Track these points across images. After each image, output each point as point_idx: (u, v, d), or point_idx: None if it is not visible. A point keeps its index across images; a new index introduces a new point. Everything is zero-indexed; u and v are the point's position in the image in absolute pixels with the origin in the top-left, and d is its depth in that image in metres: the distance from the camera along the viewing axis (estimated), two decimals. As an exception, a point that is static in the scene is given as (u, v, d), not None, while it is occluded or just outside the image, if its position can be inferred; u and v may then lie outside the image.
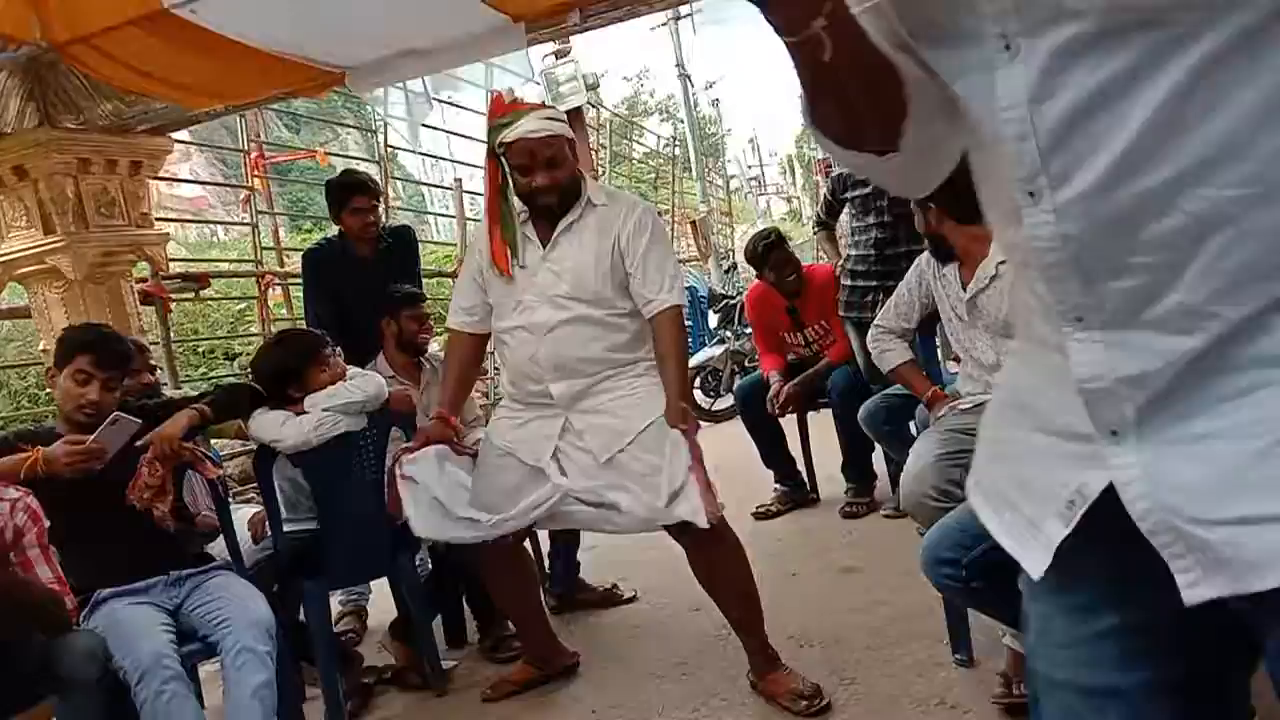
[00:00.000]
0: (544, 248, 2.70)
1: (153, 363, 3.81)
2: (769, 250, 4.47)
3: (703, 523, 2.50)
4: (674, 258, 2.80)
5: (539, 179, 2.61)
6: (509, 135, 2.59)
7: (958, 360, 2.86)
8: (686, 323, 9.65)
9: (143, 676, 2.19)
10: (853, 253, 4.30)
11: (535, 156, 2.60)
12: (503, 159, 2.66)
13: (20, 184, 3.87)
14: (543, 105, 2.65)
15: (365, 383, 2.98)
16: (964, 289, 2.57)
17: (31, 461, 2.44)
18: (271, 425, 2.87)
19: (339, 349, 3.21)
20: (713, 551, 2.66)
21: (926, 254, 2.83)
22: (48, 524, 2.32)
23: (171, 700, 2.19)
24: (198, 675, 2.78)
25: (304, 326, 4.01)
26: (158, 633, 2.31)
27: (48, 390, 4.25)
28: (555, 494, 2.66)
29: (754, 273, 4.66)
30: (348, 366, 3.15)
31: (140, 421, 2.56)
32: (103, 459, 2.49)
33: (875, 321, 3.00)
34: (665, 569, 3.33)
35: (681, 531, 2.61)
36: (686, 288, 9.62)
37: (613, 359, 2.68)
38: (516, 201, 2.73)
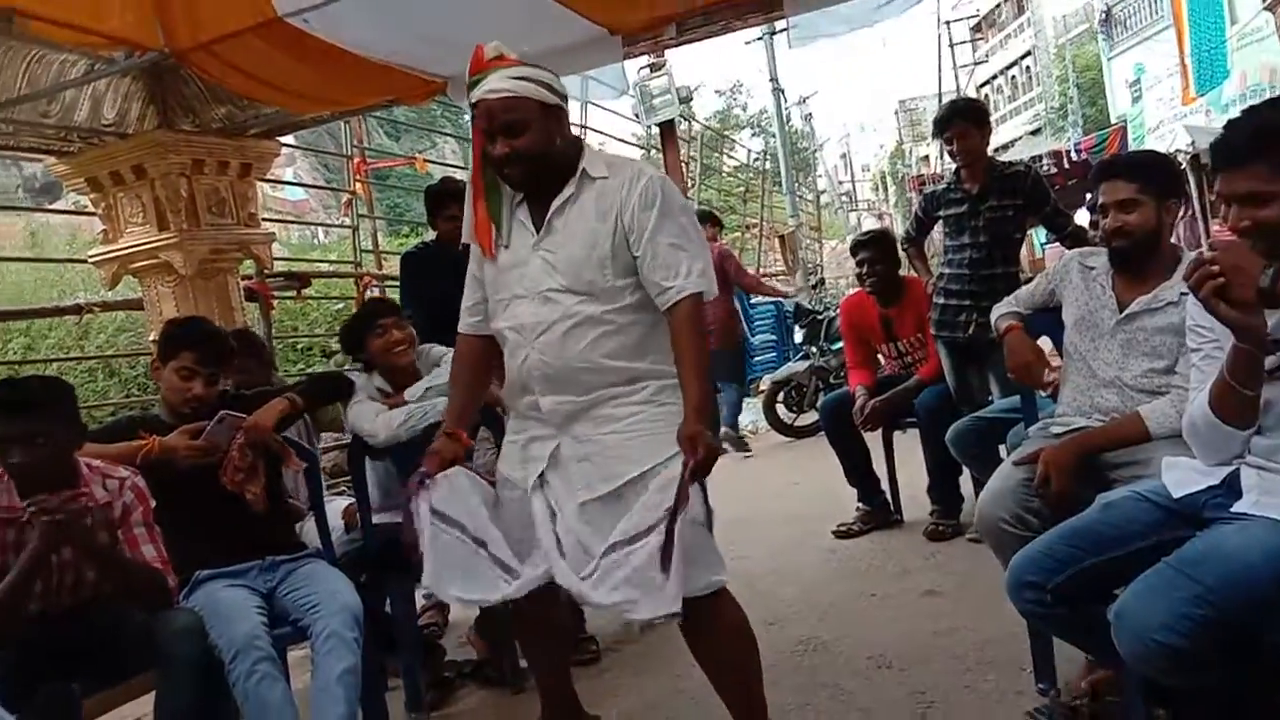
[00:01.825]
0: (537, 234, 2.27)
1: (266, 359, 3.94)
2: (859, 245, 4.48)
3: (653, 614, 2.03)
4: (695, 232, 2.27)
5: (497, 147, 2.19)
6: (474, 95, 2.19)
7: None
8: (770, 337, 9.51)
9: (236, 655, 2.27)
10: (946, 271, 4.25)
11: (492, 120, 2.17)
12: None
13: (138, 182, 4.06)
14: (522, 62, 2.20)
15: (423, 415, 3.00)
16: (1119, 301, 2.47)
17: (148, 449, 2.57)
18: (366, 416, 2.99)
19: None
20: (708, 630, 2.22)
21: (1080, 250, 2.72)
22: (153, 504, 2.44)
23: (262, 680, 2.26)
24: (286, 658, 2.88)
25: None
26: (252, 615, 2.39)
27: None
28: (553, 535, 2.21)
29: (844, 287, 4.64)
30: (431, 346, 3.26)
31: (244, 417, 2.67)
32: (215, 455, 2.62)
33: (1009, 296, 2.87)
34: (739, 579, 3.33)
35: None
36: (770, 303, 9.63)
37: (615, 369, 2.21)
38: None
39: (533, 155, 2.18)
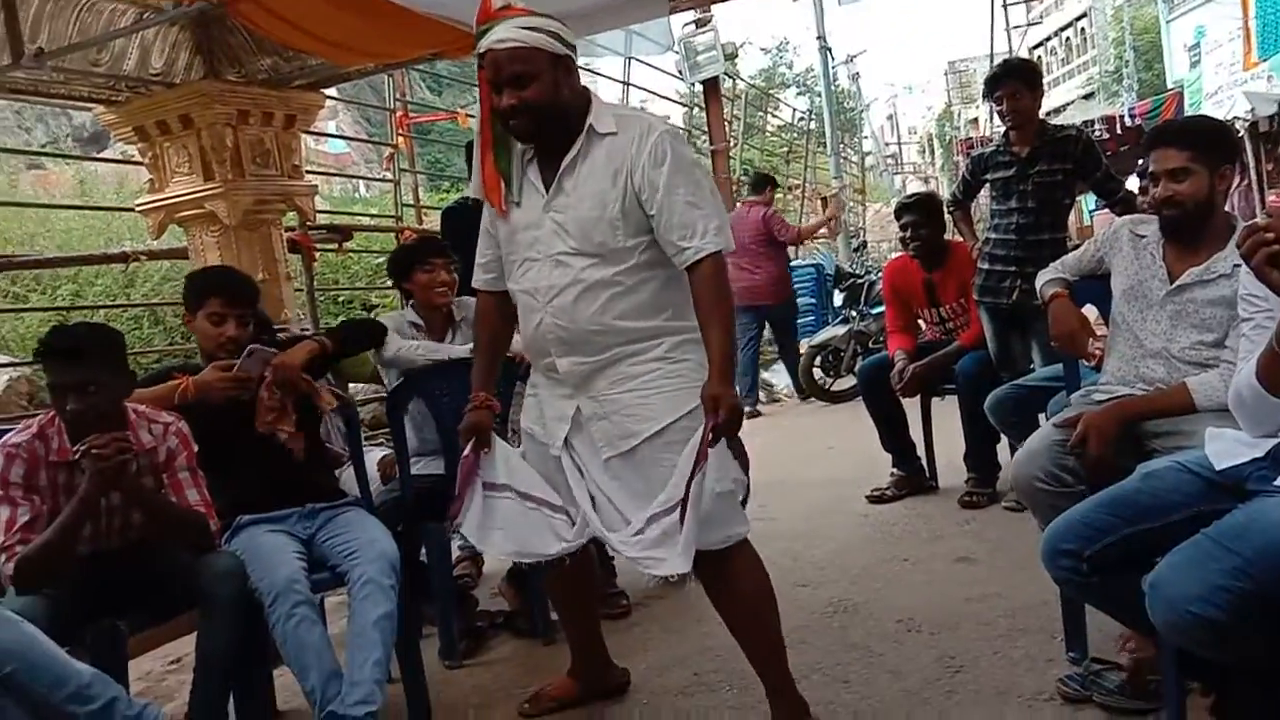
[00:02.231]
0: (546, 193, 2.22)
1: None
2: (903, 208, 4.42)
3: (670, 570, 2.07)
4: (708, 188, 2.22)
5: (504, 98, 2.14)
6: (481, 45, 2.15)
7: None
8: (809, 300, 9.52)
9: (276, 598, 2.32)
10: (992, 236, 4.18)
11: (500, 71, 2.13)
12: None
13: (185, 132, 4.10)
14: (530, 12, 2.14)
15: (435, 350, 3.15)
16: (1169, 271, 2.42)
17: (183, 388, 2.61)
18: (391, 344, 3.12)
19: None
20: (725, 581, 2.27)
21: (1132, 216, 2.66)
22: (196, 449, 2.49)
23: (301, 623, 2.32)
24: (323, 604, 2.94)
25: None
26: (291, 559, 2.44)
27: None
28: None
29: (886, 251, 4.60)
30: (462, 299, 3.33)
31: (275, 351, 2.71)
32: (249, 387, 2.65)
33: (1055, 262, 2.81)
34: (771, 541, 3.35)
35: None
36: (810, 265, 9.55)
37: (629, 329, 2.18)
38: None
39: (540, 107, 2.13)
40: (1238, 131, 10.56)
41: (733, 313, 2.20)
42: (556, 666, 2.93)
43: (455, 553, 3.59)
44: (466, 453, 2.35)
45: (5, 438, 2.32)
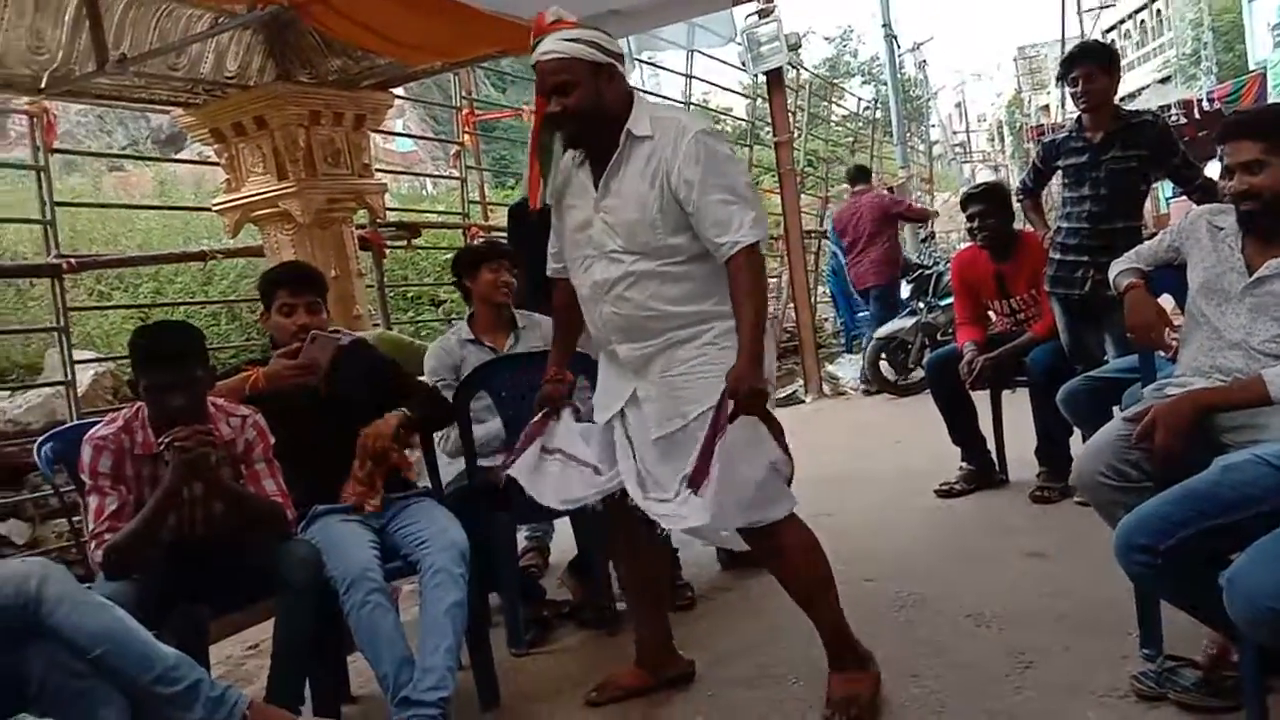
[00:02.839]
0: (595, 193, 2.38)
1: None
2: (969, 199, 4.35)
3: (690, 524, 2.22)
4: (744, 182, 2.34)
5: (551, 105, 2.32)
6: (533, 58, 2.33)
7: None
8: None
9: (350, 586, 2.38)
10: (1063, 225, 4.08)
11: (545, 80, 2.31)
12: None
13: (259, 133, 4.22)
14: (577, 24, 2.32)
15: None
16: (1248, 264, 2.35)
17: (254, 380, 2.69)
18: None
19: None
20: (776, 552, 2.41)
21: (1210, 207, 2.57)
22: (273, 440, 2.56)
23: (375, 610, 2.38)
24: (395, 592, 3.01)
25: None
26: (365, 548, 2.50)
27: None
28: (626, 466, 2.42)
29: (954, 241, 4.54)
30: (528, 314, 3.43)
31: (339, 337, 2.78)
32: (316, 373, 2.72)
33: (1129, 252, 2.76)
34: (837, 535, 3.32)
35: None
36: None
37: (681, 314, 2.32)
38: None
39: (582, 113, 2.30)
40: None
41: (764, 300, 2.32)
42: (621, 656, 2.95)
43: (522, 543, 3.64)
44: (536, 419, 2.56)
45: (93, 431, 2.41)
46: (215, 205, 4.64)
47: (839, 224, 8.74)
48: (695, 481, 2.18)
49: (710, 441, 2.17)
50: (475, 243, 3.54)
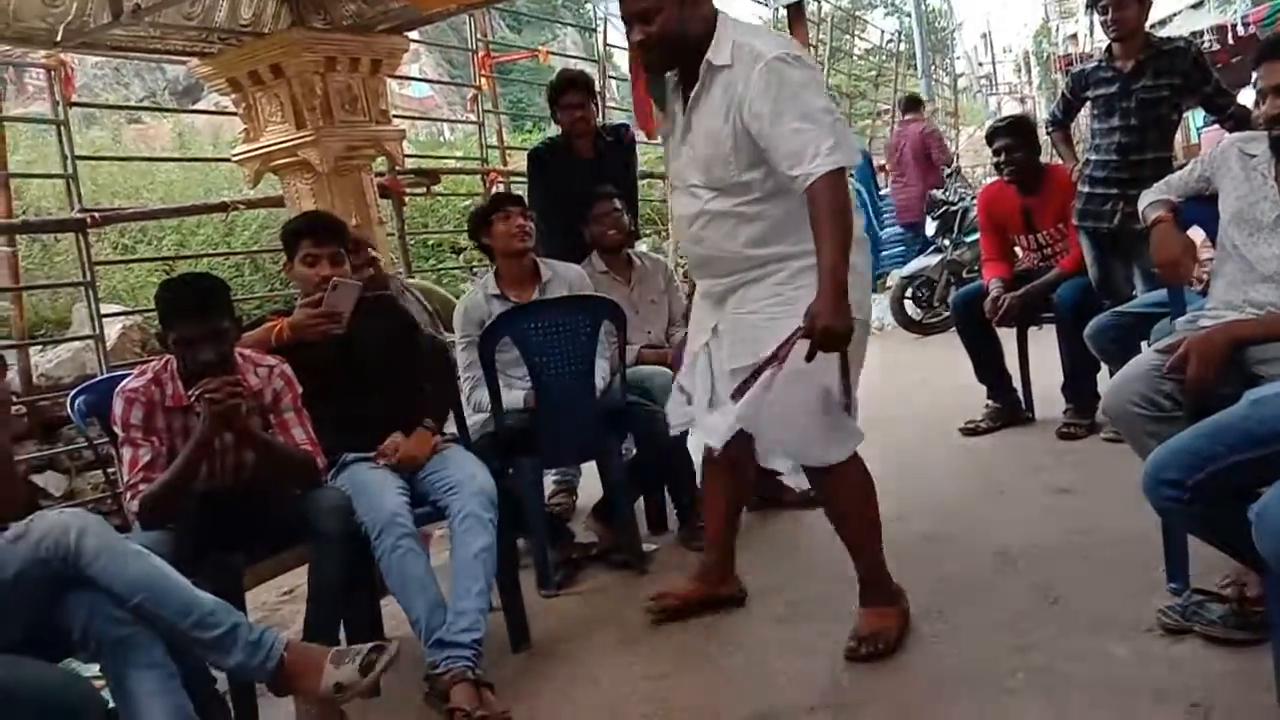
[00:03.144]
0: (685, 119, 2.36)
1: (373, 254, 4.07)
2: (995, 132, 4.27)
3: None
4: (821, 106, 2.20)
5: (634, 33, 2.29)
6: None
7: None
8: (897, 230, 9.74)
9: (381, 531, 2.42)
10: (1092, 157, 4.01)
11: (627, 8, 2.29)
12: None
13: (276, 81, 4.18)
14: None
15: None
16: None
17: (279, 330, 2.71)
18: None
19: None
20: (824, 479, 2.44)
21: (1242, 135, 2.51)
22: (300, 390, 2.59)
23: (406, 555, 2.42)
24: (426, 537, 3.05)
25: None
26: (394, 494, 2.53)
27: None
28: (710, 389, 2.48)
29: (980, 176, 4.47)
30: (552, 263, 3.43)
31: (360, 284, 2.77)
32: (340, 321, 2.71)
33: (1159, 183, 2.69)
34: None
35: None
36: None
37: (751, 256, 2.31)
38: None
39: (662, 39, 2.26)
40: (1365, 35, 9.82)
41: (845, 230, 2.17)
42: (648, 596, 2.99)
43: (550, 486, 3.67)
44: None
45: (123, 384, 2.44)
46: (234, 156, 4.63)
47: (890, 152, 9.23)
48: (737, 394, 2.26)
49: (764, 365, 2.20)
50: (480, 203, 3.56)
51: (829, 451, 2.34)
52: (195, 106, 12.54)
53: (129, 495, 2.36)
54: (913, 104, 9.42)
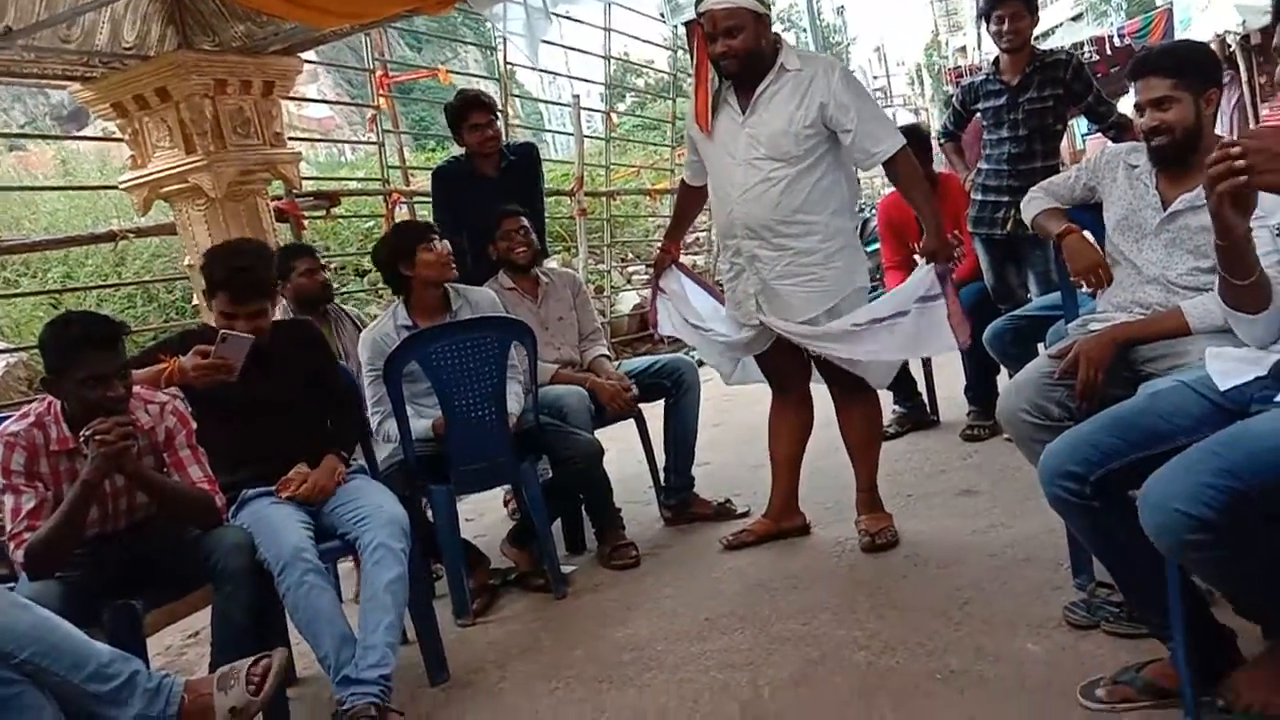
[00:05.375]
0: (743, 114, 2.97)
1: (324, 261, 4.04)
2: None
3: (952, 346, 3.07)
4: (880, 108, 3.22)
5: (718, 46, 2.89)
6: (702, 6, 2.92)
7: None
8: None
9: (284, 568, 2.34)
10: (984, 166, 4.14)
11: (716, 25, 2.88)
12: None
13: (163, 105, 4.04)
14: None
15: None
16: (1163, 199, 2.39)
17: (169, 372, 2.60)
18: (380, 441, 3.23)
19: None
20: (858, 408, 3.20)
21: (1125, 146, 2.59)
22: (195, 426, 2.49)
23: (311, 590, 2.34)
24: (337, 572, 2.96)
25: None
26: (298, 528, 2.45)
27: (194, 303, 4.50)
28: (760, 328, 3.09)
29: (879, 187, 4.55)
30: (459, 286, 3.37)
31: (251, 337, 2.61)
32: (231, 372, 2.60)
33: (1036, 186, 2.77)
34: (764, 485, 3.35)
35: (834, 380, 3.16)
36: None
37: (801, 221, 2.94)
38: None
39: (746, 52, 2.90)
40: (1229, 46, 10.39)
41: (925, 183, 3.12)
42: (568, 620, 2.97)
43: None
44: (655, 277, 3.48)
45: (3, 427, 2.31)
46: (122, 183, 4.45)
47: None
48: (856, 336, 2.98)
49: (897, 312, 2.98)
50: (384, 228, 3.45)
51: (887, 375, 3.33)
52: (81, 132, 12.07)
53: (13, 545, 2.23)
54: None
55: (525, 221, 3.75)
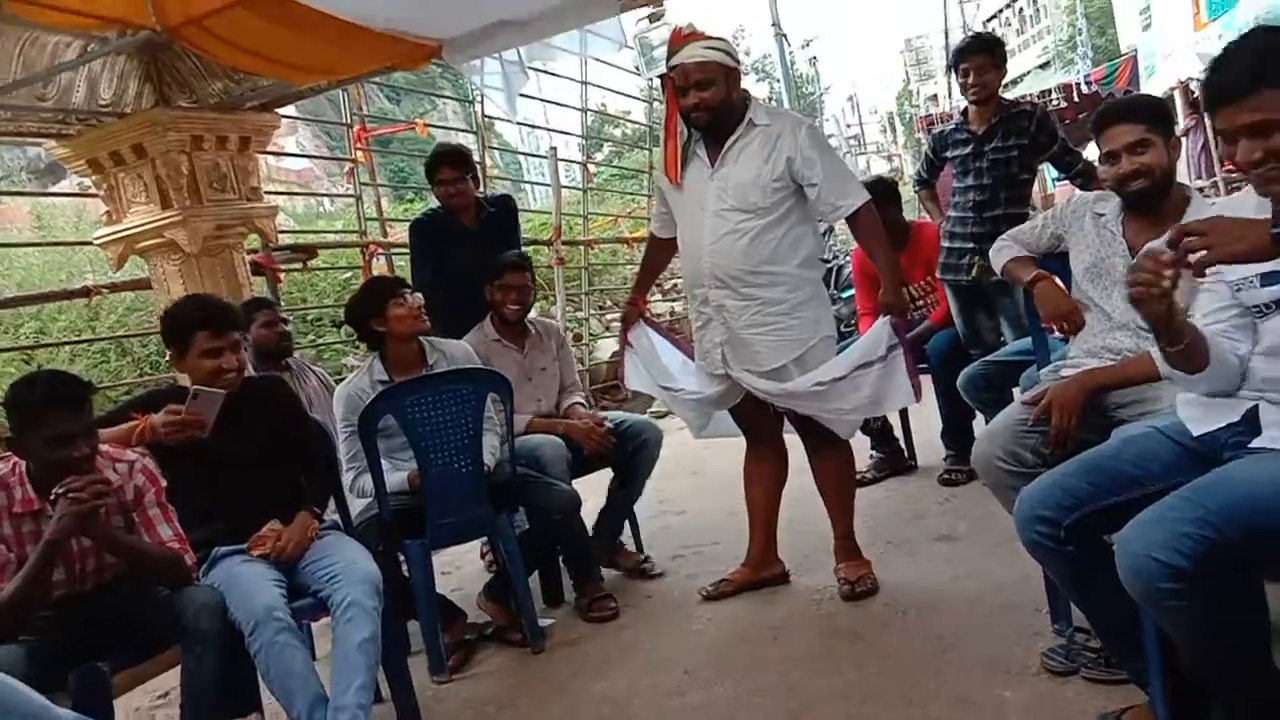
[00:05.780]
0: (712, 166, 3.01)
1: (283, 315, 4.02)
2: None
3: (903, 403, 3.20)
4: (845, 164, 3.21)
5: (690, 99, 2.93)
6: (673, 60, 2.96)
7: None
8: None
9: (256, 627, 2.30)
10: (952, 214, 4.20)
11: (688, 78, 2.92)
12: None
13: (139, 161, 4.05)
14: (707, 35, 2.99)
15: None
16: (1129, 246, 2.42)
17: (141, 430, 2.57)
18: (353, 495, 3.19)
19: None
20: (830, 458, 3.21)
21: (1091, 195, 2.64)
22: (164, 484, 2.46)
23: (284, 650, 2.30)
24: (310, 630, 2.92)
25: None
26: (270, 587, 2.41)
27: (168, 357, 4.47)
28: (729, 383, 3.11)
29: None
30: (434, 340, 3.37)
31: (223, 393, 2.59)
32: (204, 428, 2.58)
33: (1004, 234, 2.83)
34: (740, 533, 3.35)
35: (805, 432, 3.17)
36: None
37: (768, 272, 2.96)
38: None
39: (717, 105, 2.93)
40: (1192, 93, 10.65)
41: (885, 238, 3.08)
42: (546, 675, 2.93)
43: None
44: (623, 332, 3.46)
45: (-34, 488, 2.28)
46: (97, 239, 4.44)
47: None
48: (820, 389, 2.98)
49: (868, 363, 2.98)
50: (361, 280, 3.45)
51: (852, 428, 3.25)
52: (57, 186, 12.05)
53: (-25, 608, 2.19)
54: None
55: (529, 280, 3.75)
